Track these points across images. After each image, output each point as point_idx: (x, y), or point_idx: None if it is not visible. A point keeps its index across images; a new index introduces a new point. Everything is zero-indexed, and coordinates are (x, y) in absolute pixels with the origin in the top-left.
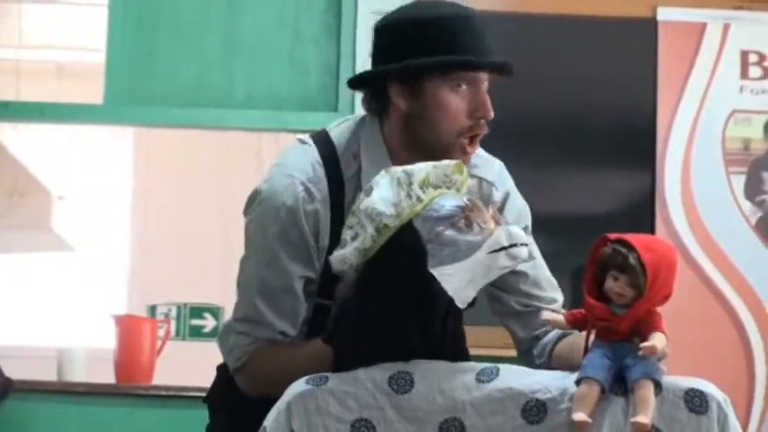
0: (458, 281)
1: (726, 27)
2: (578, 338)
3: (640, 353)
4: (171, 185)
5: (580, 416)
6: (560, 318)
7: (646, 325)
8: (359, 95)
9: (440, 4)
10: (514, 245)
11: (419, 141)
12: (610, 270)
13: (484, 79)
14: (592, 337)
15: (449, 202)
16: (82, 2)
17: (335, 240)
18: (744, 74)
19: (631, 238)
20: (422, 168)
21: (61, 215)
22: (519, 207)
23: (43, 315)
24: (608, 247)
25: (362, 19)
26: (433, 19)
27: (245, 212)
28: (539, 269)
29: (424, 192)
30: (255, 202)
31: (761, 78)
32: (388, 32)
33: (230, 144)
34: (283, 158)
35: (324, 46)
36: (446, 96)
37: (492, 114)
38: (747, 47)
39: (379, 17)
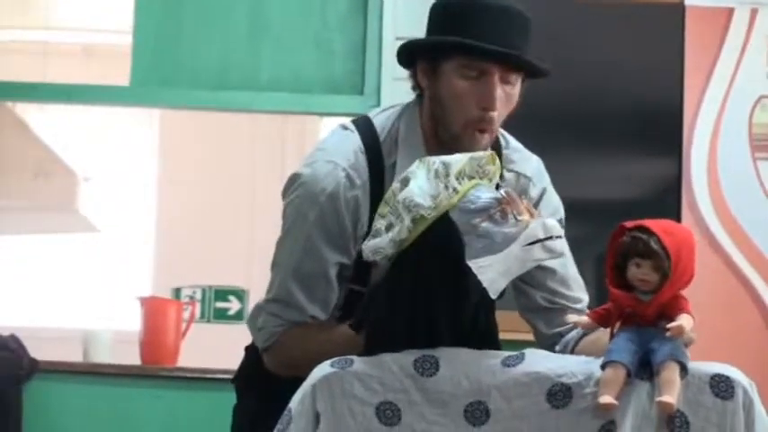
0: (493, 272)
1: (753, 12)
2: (601, 335)
3: (668, 333)
4: (196, 168)
5: (606, 398)
6: (585, 318)
7: (672, 309)
8: (385, 79)
9: None
10: (550, 237)
11: (438, 126)
12: (631, 258)
13: (497, 72)
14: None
15: (485, 193)
16: None
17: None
18: None
19: (649, 223)
20: (459, 159)
21: (87, 197)
22: (554, 204)
23: (69, 297)
24: (626, 236)
25: (389, 1)
26: (465, 3)
27: (284, 195)
28: (567, 267)
29: (460, 183)
30: (295, 185)
31: None
32: (432, 12)
33: (256, 127)
34: (325, 143)
35: (350, 29)
36: (456, 81)
37: (496, 107)
38: None
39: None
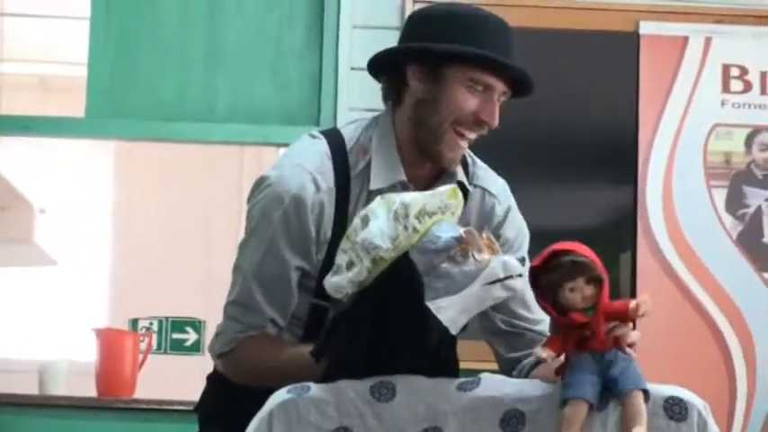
0: (453, 311)
1: (707, 41)
2: (555, 362)
3: (639, 311)
4: (153, 199)
5: None
6: (549, 352)
7: (615, 315)
8: (341, 109)
9: (477, 8)
10: (510, 276)
11: (420, 129)
12: (561, 286)
13: (499, 89)
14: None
15: (446, 232)
16: (64, 15)
17: (337, 234)
18: (725, 88)
19: (552, 249)
20: (418, 199)
21: (43, 228)
22: (519, 224)
23: (25, 328)
24: (544, 269)
25: (345, 32)
26: (466, 14)
27: (250, 197)
28: (528, 289)
29: (420, 221)
30: (261, 187)
31: (742, 92)
32: (419, 19)
33: (212, 158)
34: (293, 149)
35: (306, 59)
36: (461, 92)
37: (496, 124)
38: (729, 61)
39: (359, 30)
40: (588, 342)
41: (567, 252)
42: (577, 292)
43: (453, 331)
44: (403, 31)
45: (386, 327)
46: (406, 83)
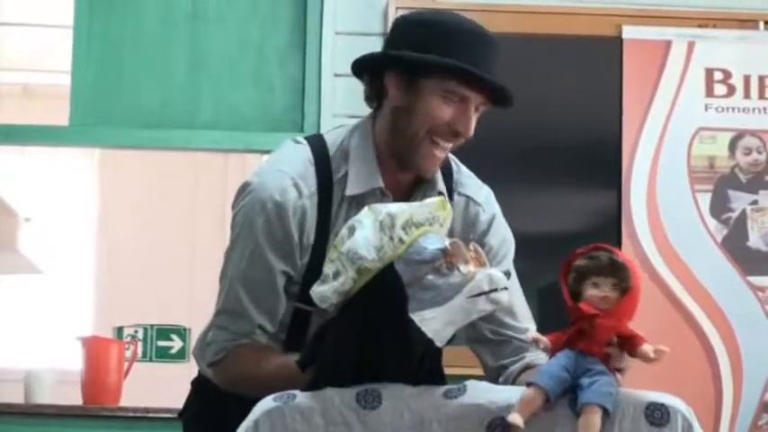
0: (437, 323)
1: (691, 45)
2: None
3: (654, 356)
4: (137, 207)
5: (514, 417)
6: (545, 339)
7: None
8: (325, 115)
9: (461, 16)
10: (495, 290)
11: (397, 137)
12: (588, 279)
13: (476, 101)
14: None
15: (432, 244)
16: (47, 24)
17: (320, 238)
18: (709, 92)
19: (597, 245)
20: (405, 210)
21: (28, 237)
22: (503, 233)
23: (10, 337)
24: (582, 259)
25: (328, 38)
26: (448, 24)
27: (234, 204)
28: (514, 297)
29: (406, 232)
30: (244, 193)
31: (726, 96)
32: (403, 26)
33: (196, 165)
34: (275, 155)
35: (289, 66)
36: (436, 102)
37: (471, 135)
38: (712, 65)
39: (342, 36)
40: (581, 339)
41: (610, 251)
42: (600, 289)
43: (438, 343)
44: (387, 37)
45: (371, 337)
46: (386, 89)
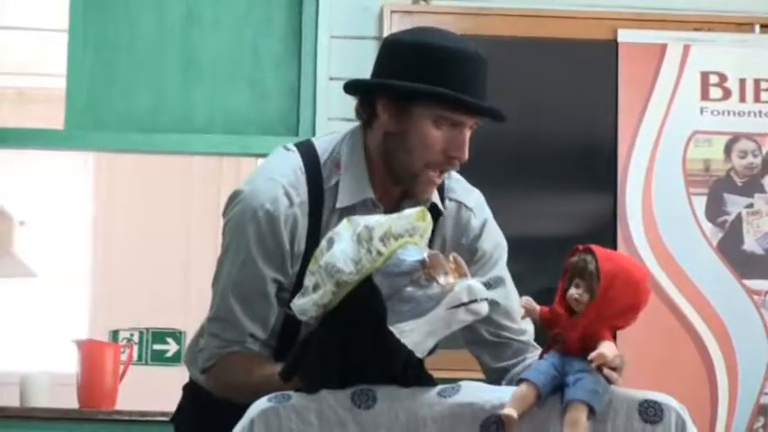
0: (417, 335)
1: (686, 48)
2: None
3: (593, 364)
4: (131, 210)
5: (509, 411)
6: (536, 309)
7: (594, 338)
8: (320, 119)
9: (449, 37)
10: (474, 300)
11: (392, 161)
12: (574, 278)
13: (469, 122)
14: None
15: (410, 255)
16: (42, 27)
17: (311, 246)
18: (704, 95)
19: (597, 248)
20: (383, 222)
21: (23, 240)
22: (496, 237)
23: (5, 340)
24: (575, 256)
25: (323, 42)
26: (438, 49)
27: (224, 212)
28: (510, 300)
29: (385, 244)
30: (235, 202)
31: (721, 99)
32: (393, 49)
33: (191, 169)
34: (266, 163)
35: (284, 69)
36: (428, 128)
37: (465, 158)
38: (707, 68)
39: (338, 40)
40: (558, 340)
41: (594, 254)
42: (575, 293)
43: (419, 354)
44: (378, 56)
45: (352, 350)
46: (376, 113)
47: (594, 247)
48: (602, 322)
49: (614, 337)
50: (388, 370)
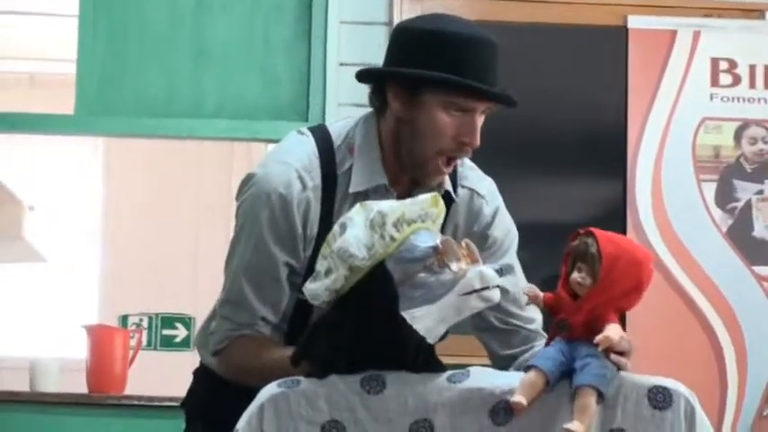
0: (429, 321)
1: (696, 34)
2: None
3: (599, 348)
4: (142, 196)
5: (518, 398)
6: (540, 295)
7: (599, 322)
8: (330, 105)
9: (460, 23)
10: (486, 287)
11: (403, 148)
12: (576, 262)
13: (481, 108)
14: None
15: (423, 241)
16: (53, 12)
17: (323, 231)
18: (714, 81)
19: (597, 230)
20: (396, 208)
21: (33, 225)
22: (507, 224)
23: (15, 326)
24: (576, 240)
25: (333, 27)
26: (449, 35)
27: (238, 195)
28: (519, 287)
29: (398, 230)
30: (248, 185)
31: (731, 86)
32: (404, 36)
33: (201, 154)
34: (280, 146)
35: (294, 55)
36: (439, 115)
37: (478, 143)
38: (717, 54)
39: (348, 26)
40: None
41: (595, 237)
42: (579, 277)
43: (431, 340)
44: (389, 44)
45: (363, 335)
46: (388, 101)
47: (595, 230)
48: (607, 305)
49: (623, 319)
50: (400, 356)
